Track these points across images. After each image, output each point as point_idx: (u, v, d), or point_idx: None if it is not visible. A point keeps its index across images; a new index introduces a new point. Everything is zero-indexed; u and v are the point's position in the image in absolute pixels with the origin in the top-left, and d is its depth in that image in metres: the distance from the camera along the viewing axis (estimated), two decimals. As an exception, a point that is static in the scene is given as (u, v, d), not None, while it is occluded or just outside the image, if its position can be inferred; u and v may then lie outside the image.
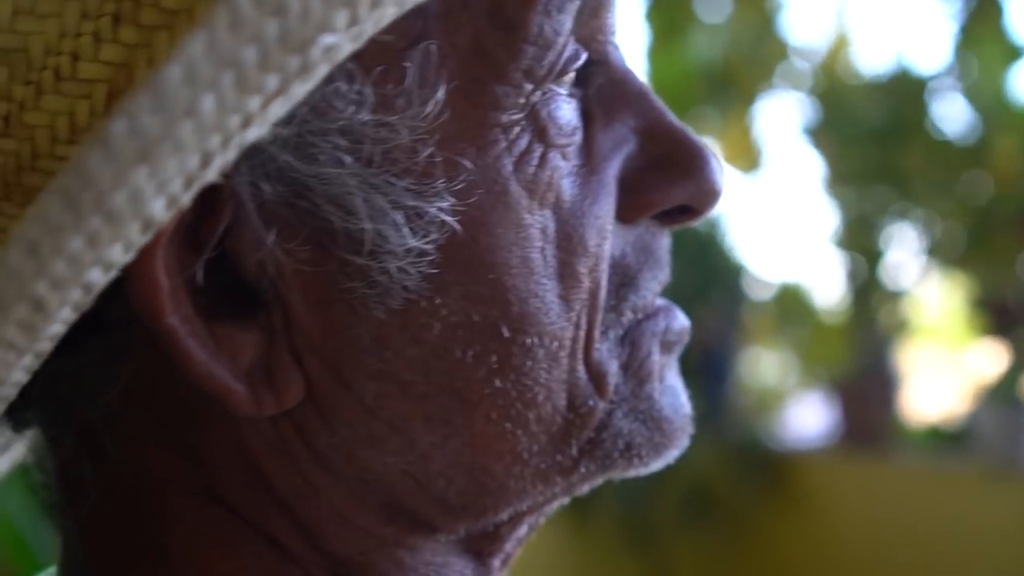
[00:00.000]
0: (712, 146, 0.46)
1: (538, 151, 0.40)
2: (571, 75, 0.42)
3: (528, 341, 0.40)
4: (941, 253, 2.97)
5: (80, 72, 0.36)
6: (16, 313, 0.32)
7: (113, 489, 0.42)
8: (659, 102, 0.45)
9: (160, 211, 0.32)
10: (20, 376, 0.35)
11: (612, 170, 0.43)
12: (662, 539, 2.96)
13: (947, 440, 2.93)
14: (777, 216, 3.67)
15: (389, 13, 0.34)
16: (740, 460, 2.96)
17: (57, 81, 0.36)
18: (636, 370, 0.43)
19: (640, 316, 0.44)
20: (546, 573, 2.87)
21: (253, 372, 0.39)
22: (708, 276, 3.03)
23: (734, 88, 3.03)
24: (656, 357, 0.44)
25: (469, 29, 0.39)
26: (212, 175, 0.33)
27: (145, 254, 0.35)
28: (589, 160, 0.42)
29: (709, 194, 0.44)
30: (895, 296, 3.04)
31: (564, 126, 0.41)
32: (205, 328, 0.38)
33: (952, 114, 2.90)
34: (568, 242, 0.41)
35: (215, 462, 0.41)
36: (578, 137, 0.42)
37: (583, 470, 0.43)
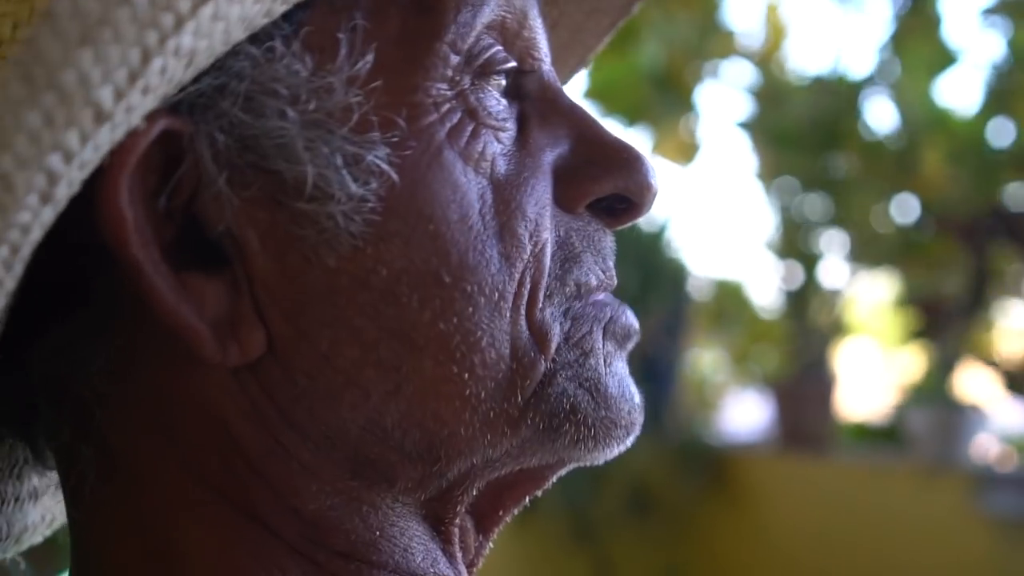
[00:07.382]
0: (651, 144, 0.50)
1: (470, 126, 0.45)
2: (500, 79, 0.47)
3: (468, 288, 0.44)
4: (874, 256, 3.04)
5: None
6: None
7: (106, 468, 0.45)
8: (590, 114, 0.50)
9: (108, 101, 0.36)
10: None
11: (547, 158, 0.47)
12: (605, 535, 3.01)
13: (879, 437, 3.01)
14: (717, 215, 3.73)
15: None
16: (680, 458, 3.01)
17: None
18: (578, 342, 0.47)
19: (584, 293, 0.48)
20: (492, 570, 2.89)
21: (219, 324, 0.42)
22: (653, 278, 3.08)
23: (677, 84, 3.05)
24: (599, 340, 0.48)
25: (397, 18, 0.44)
26: (155, 78, 0.37)
27: (110, 179, 0.39)
28: (524, 147, 0.47)
29: (642, 185, 0.49)
30: (830, 298, 3.11)
31: (494, 112, 0.46)
32: (172, 274, 0.41)
33: (883, 118, 2.96)
34: (506, 207, 0.45)
35: (188, 434, 0.44)
36: (511, 127, 0.47)
37: (530, 422, 0.45)
